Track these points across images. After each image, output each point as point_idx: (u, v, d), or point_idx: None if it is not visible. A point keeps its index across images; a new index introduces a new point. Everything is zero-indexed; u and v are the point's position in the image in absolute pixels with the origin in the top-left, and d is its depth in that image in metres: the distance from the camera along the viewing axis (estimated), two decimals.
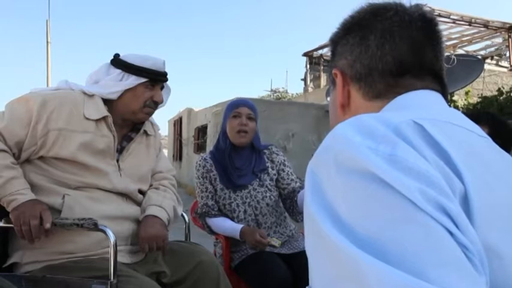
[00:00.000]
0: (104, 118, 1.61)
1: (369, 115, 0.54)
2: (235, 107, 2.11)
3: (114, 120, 1.64)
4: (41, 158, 1.55)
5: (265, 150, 2.22)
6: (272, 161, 2.20)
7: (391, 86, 0.66)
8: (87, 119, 1.58)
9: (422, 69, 0.66)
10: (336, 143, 0.50)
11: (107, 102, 1.64)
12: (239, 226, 2.02)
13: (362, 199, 0.45)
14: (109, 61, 1.70)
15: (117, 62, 1.67)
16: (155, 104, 1.70)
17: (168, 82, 1.79)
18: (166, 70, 1.74)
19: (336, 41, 0.73)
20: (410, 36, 0.65)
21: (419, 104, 0.63)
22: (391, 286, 0.39)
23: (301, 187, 2.15)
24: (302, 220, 2.09)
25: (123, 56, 1.69)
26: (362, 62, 0.67)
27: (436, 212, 0.42)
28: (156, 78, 1.67)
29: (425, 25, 0.67)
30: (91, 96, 1.63)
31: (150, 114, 1.72)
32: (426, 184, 0.44)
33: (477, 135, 0.59)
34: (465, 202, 0.47)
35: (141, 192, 1.76)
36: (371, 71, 0.67)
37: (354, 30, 0.69)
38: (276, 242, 2.02)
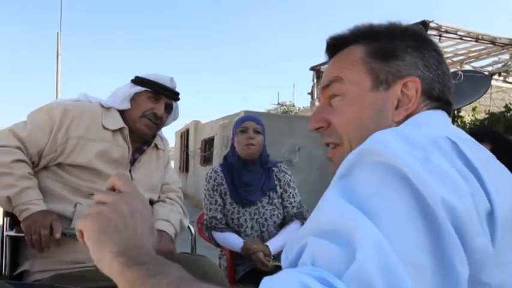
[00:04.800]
0: (121, 129, 1.68)
1: (408, 128, 0.58)
2: (242, 122, 2.16)
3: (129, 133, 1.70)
4: (58, 164, 1.59)
5: (274, 168, 2.25)
6: (279, 180, 2.23)
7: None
8: (105, 128, 1.64)
9: None
10: (371, 142, 0.52)
11: (122, 116, 1.71)
12: (242, 243, 2.05)
13: (378, 186, 0.47)
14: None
15: (133, 79, 1.76)
16: (155, 117, 1.72)
17: (178, 109, 1.84)
18: (177, 89, 1.79)
19: (397, 44, 0.71)
20: None
21: (435, 123, 0.66)
22: (374, 243, 0.42)
23: (296, 215, 2.18)
24: None
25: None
26: (440, 84, 0.70)
27: (448, 225, 0.45)
28: (159, 91, 1.72)
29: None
30: (108, 109, 1.70)
31: (150, 127, 1.73)
32: (452, 192, 0.46)
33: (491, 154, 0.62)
34: (491, 219, 0.49)
35: (151, 202, 1.80)
36: (443, 94, 0.70)
37: (428, 50, 0.71)
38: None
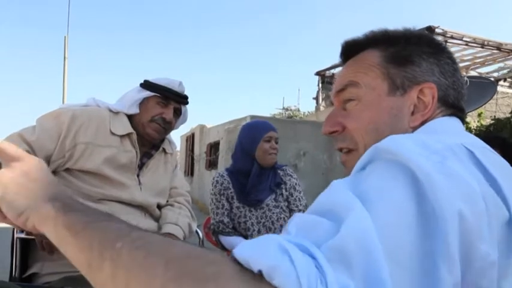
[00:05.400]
0: (129, 135, 1.68)
1: (423, 135, 0.58)
2: (266, 132, 2.19)
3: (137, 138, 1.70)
4: (67, 170, 1.61)
5: (280, 171, 2.27)
6: (285, 183, 2.25)
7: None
8: (113, 134, 1.65)
9: None
10: (387, 142, 0.52)
11: (130, 120, 1.72)
12: None
13: (385, 181, 0.47)
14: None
15: (142, 83, 1.77)
16: (164, 122, 1.73)
17: (187, 112, 1.86)
18: (185, 93, 1.80)
19: (414, 49, 0.71)
20: None
21: (450, 130, 0.67)
22: (362, 226, 0.42)
23: None
24: None
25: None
26: (454, 91, 0.71)
27: (457, 243, 0.44)
28: (168, 96, 1.73)
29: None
30: (116, 113, 1.70)
31: (159, 132, 1.74)
32: (463, 196, 0.45)
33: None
34: (509, 227, 0.49)
35: (159, 206, 1.81)
36: (457, 101, 0.71)
37: (443, 57, 0.71)
38: None
